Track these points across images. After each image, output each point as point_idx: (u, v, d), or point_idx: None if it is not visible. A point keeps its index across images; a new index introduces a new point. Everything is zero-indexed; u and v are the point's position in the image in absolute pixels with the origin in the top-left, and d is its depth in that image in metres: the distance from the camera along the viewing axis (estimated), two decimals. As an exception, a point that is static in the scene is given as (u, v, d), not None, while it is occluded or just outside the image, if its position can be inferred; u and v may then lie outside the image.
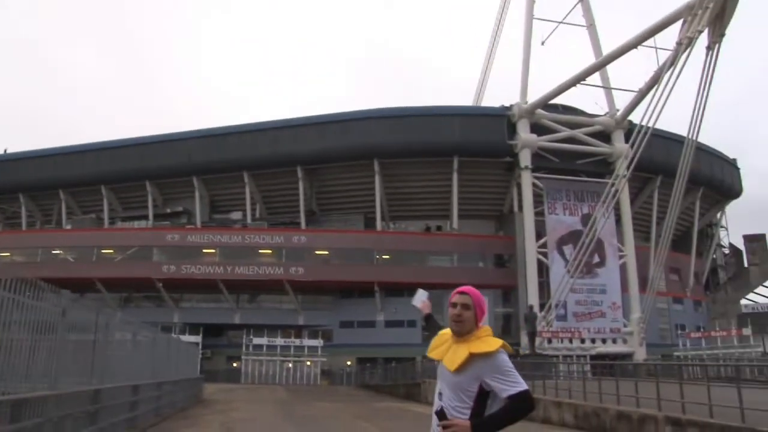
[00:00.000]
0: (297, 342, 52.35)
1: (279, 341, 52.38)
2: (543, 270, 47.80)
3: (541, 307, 44.47)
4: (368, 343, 51.48)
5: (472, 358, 3.24)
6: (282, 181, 54.96)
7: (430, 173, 52.47)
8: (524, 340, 40.33)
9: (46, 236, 58.67)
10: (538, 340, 37.91)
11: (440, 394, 3.34)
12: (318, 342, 52.08)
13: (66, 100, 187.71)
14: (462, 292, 3.42)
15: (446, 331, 3.53)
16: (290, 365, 52.26)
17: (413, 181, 53.03)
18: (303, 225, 54.75)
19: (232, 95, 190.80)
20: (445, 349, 3.40)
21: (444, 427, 3.17)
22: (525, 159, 48.91)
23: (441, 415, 3.25)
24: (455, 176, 51.06)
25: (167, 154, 55.10)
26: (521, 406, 3.21)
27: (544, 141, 49.08)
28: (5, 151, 64.73)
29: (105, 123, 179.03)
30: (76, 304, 10.44)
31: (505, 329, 50.14)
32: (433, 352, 3.48)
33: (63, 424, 9.37)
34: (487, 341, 3.32)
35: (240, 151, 53.75)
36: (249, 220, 55.94)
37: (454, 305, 3.40)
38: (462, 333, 3.37)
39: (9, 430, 7.36)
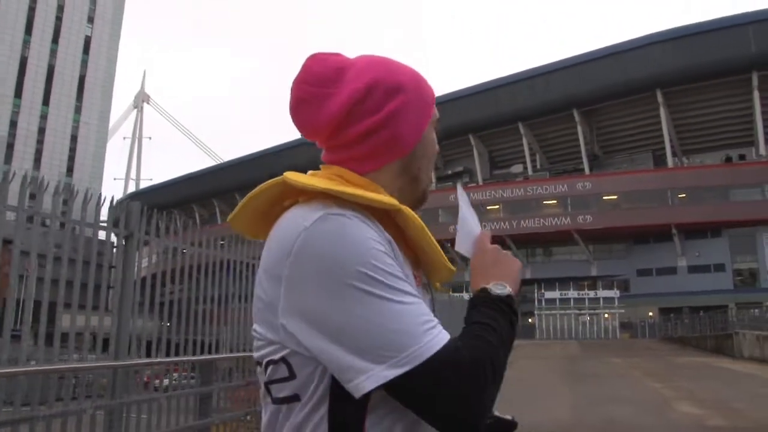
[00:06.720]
0: (591, 294, 50.26)
1: (572, 294, 50.49)
2: None
3: None
4: (670, 292, 47.60)
5: None
6: (559, 128, 53.20)
7: (724, 96, 47.44)
8: None
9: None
10: None
11: None
12: (614, 293, 49.49)
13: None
14: None
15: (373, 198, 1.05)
16: (587, 318, 50.08)
17: (704, 108, 48.44)
18: (587, 170, 52.43)
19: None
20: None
21: None
22: None
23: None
24: (756, 94, 45.47)
25: (441, 115, 54.98)
26: None
27: None
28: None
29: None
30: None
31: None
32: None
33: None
34: None
35: (512, 101, 52.58)
36: (530, 171, 54.58)
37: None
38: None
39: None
